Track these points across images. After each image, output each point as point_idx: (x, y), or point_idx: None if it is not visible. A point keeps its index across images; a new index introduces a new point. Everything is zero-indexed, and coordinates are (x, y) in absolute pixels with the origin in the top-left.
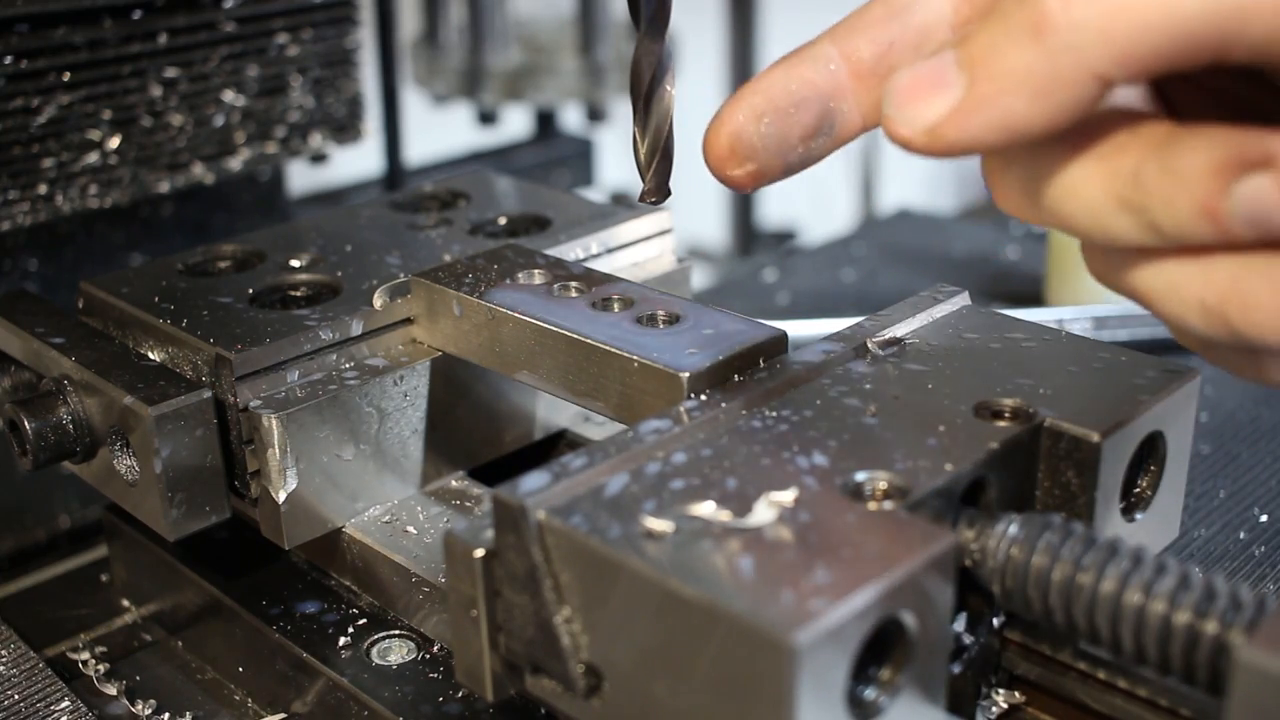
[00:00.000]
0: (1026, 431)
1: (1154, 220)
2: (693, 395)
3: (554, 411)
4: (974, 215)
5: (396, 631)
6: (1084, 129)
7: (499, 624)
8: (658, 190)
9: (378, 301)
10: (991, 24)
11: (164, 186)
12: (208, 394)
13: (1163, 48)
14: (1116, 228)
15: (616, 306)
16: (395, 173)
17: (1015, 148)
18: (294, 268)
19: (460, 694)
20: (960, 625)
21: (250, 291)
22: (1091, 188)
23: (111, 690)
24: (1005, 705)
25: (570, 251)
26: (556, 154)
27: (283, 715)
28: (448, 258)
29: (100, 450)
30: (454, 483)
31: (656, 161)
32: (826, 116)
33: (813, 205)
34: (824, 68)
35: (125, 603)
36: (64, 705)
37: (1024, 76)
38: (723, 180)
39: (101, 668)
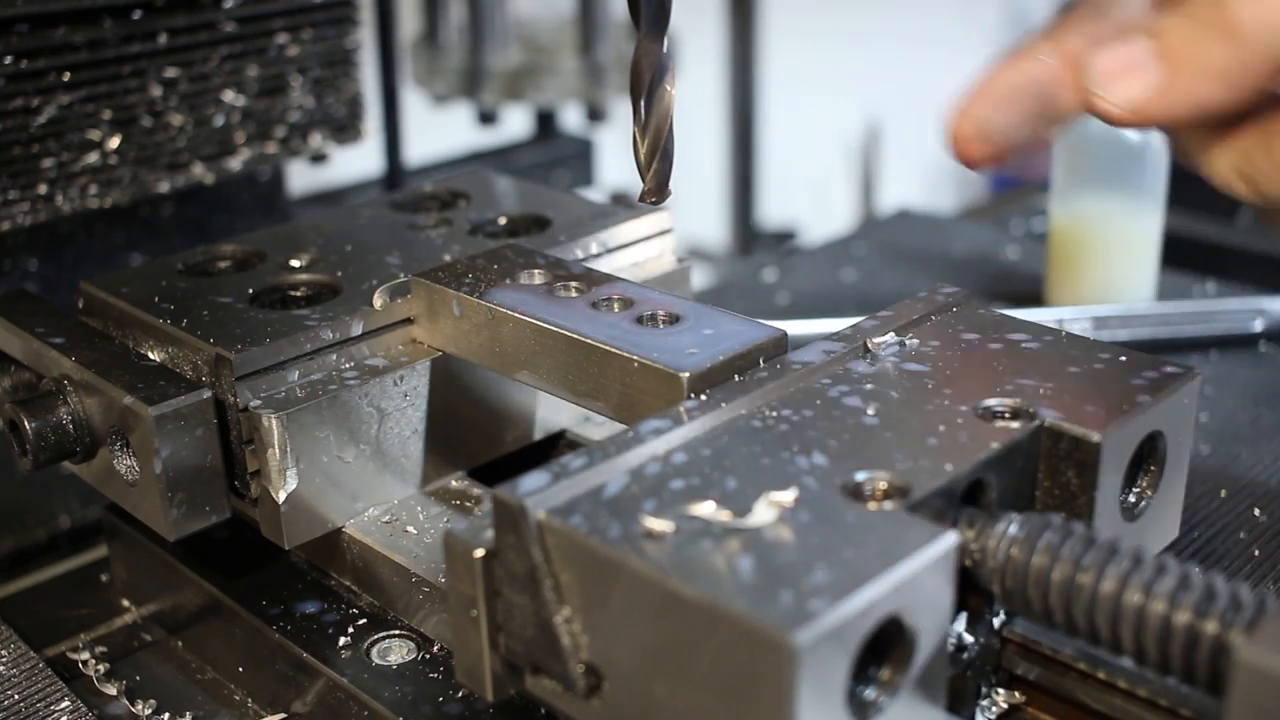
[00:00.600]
0: (1026, 431)
1: (1261, 191)
2: (693, 395)
3: (554, 411)
4: (974, 215)
5: (396, 631)
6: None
7: (499, 624)
8: (658, 190)
9: (378, 301)
10: (1187, 21)
11: (164, 186)
12: (208, 394)
13: None
14: (1238, 188)
15: (616, 306)
16: (395, 173)
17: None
18: (294, 268)
19: (460, 694)
20: (960, 625)
21: (250, 291)
22: (1222, 162)
23: (111, 690)
24: (1005, 705)
25: (570, 251)
26: (556, 154)
27: (283, 715)
28: (448, 258)
29: (100, 450)
30: (454, 483)
31: (656, 161)
32: (1047, 102)
33: (813, 205)
34: (1042, 61)
35: (125, 603)
36: (64, 705)
37: (1216, 69)
38: (964, 161)
39: (101, 668)
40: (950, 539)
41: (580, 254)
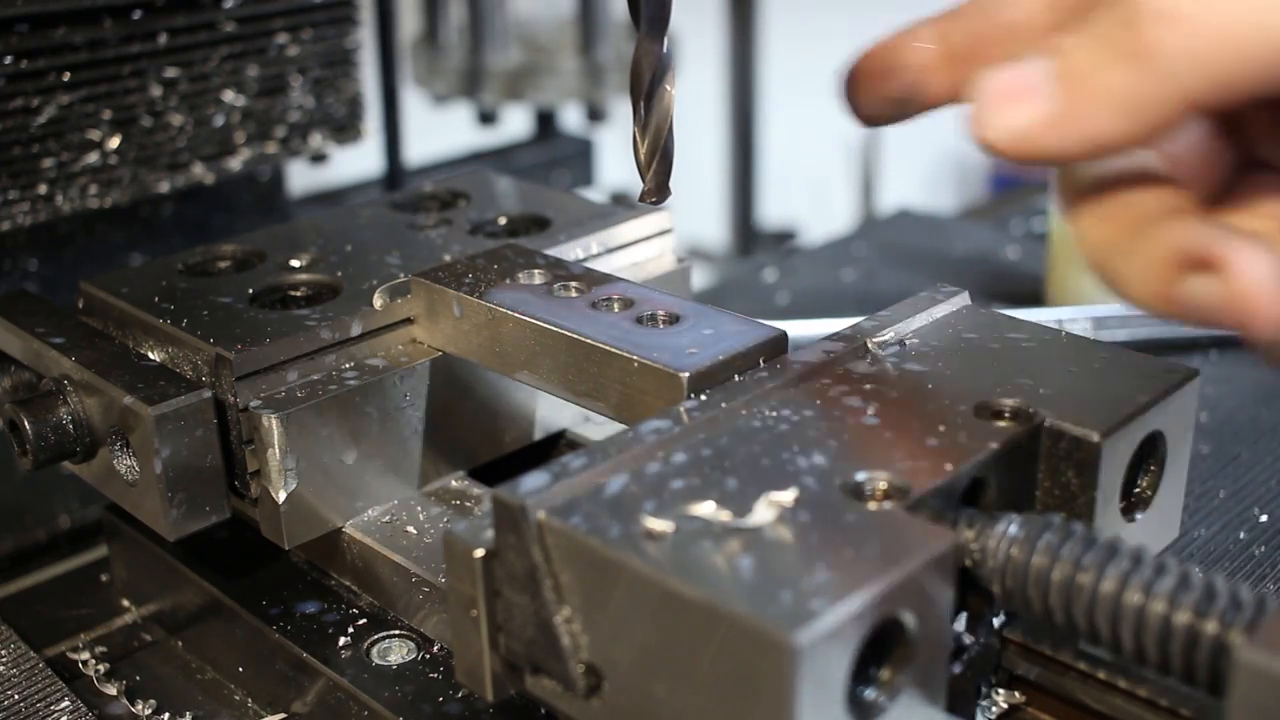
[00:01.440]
0: (1026, 431)
1: (1120, 289)
2: (693, 395)
3: (554, 411)
4: (974, 215)
5: (396, 631)
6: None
7: (499, 624)
8: (658, 190)
9: (378, 301)
10: (1091, 42)
11: (164, 186)
12: (208, 394)
13: (1258, 78)
14: (1092, 270)
15: (616, 306)
16: (395, 173)
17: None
18: (294, 268)
19: (460, 694)
20: (960, 625)
21: (250, 291)
22: (1088, 234)
23: (111, 690)
24: (1005, 705)
25: (570, 251)
26: (556, 154)
27: (283, 715)
28: (448, 258)
29: (100, 450)
30: (454, 483)
31: (656, 161)
32: (916, 86)
33: (813, 205)
34: (919, 48)
35: (125, 603)
36: (64, 705)
37: (1121, 98)
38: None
39: (101, 668)
40: (950, 539)
41: (580, 254)
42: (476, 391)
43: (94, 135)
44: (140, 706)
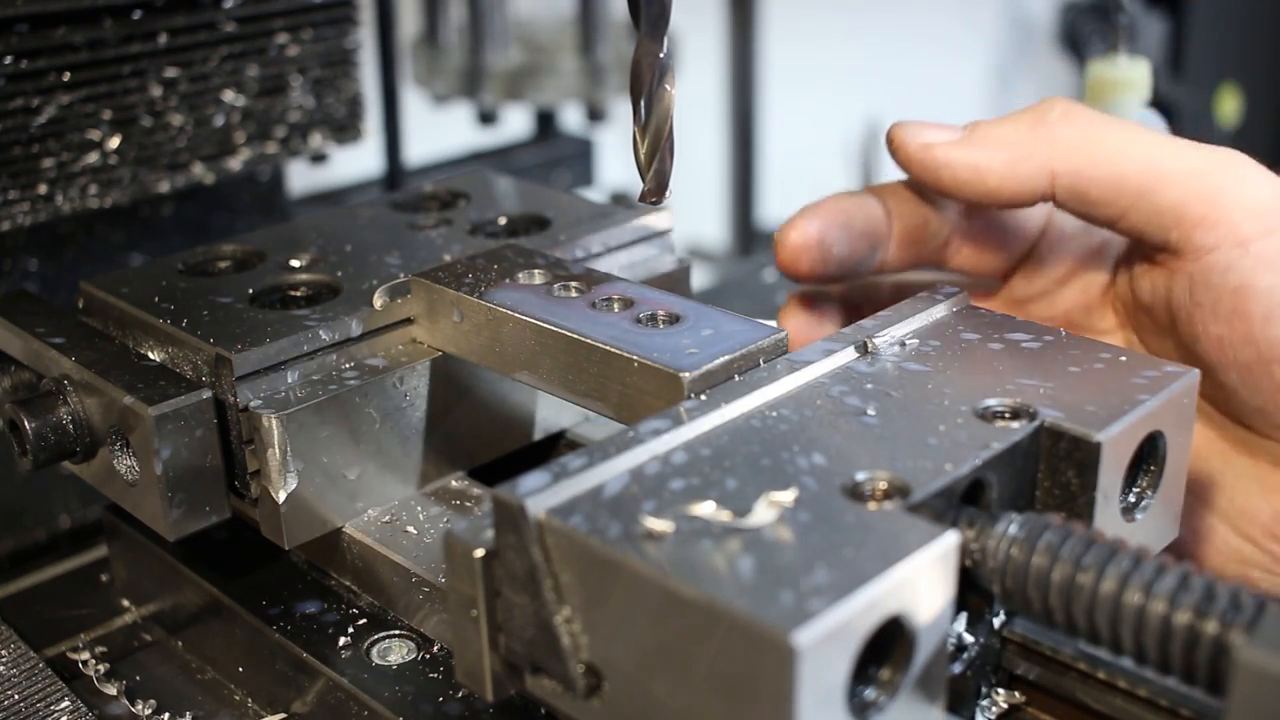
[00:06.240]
0: (1026, 431)
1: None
2: (693, 395)
3: (554, 411)
4: None
5: (396, 631)
6: None
7: (499, 624)
8: (658, 190)
9: (378, 301)
10: (1006, 117)
11: (164, 186)
12: (208, 394)
13: (1094, 184)
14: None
15: (616, 306)
16: (395, 173)
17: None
18: (294, 268)
19: (460, 694)
20: (960, 625)
21: (250, 291)
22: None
23: (111, 690)
24: (1005, 705)
25: (570, 251)
26: (556, 154)
27: (283, 715)
28: (448, 258)
29: (100, 450)
30: (454, 483)
31: (656, 161)
32: (871, 234)
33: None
34: (869, 200)
35: (125, 603)
36: (64, 705)
37: (1007, 143)
38: (789, 270)
39: (101, 668)
40: (950, 539)
41: (580, 254)
42: (476, 391)
43: (94, 135)
44: (140, 706)
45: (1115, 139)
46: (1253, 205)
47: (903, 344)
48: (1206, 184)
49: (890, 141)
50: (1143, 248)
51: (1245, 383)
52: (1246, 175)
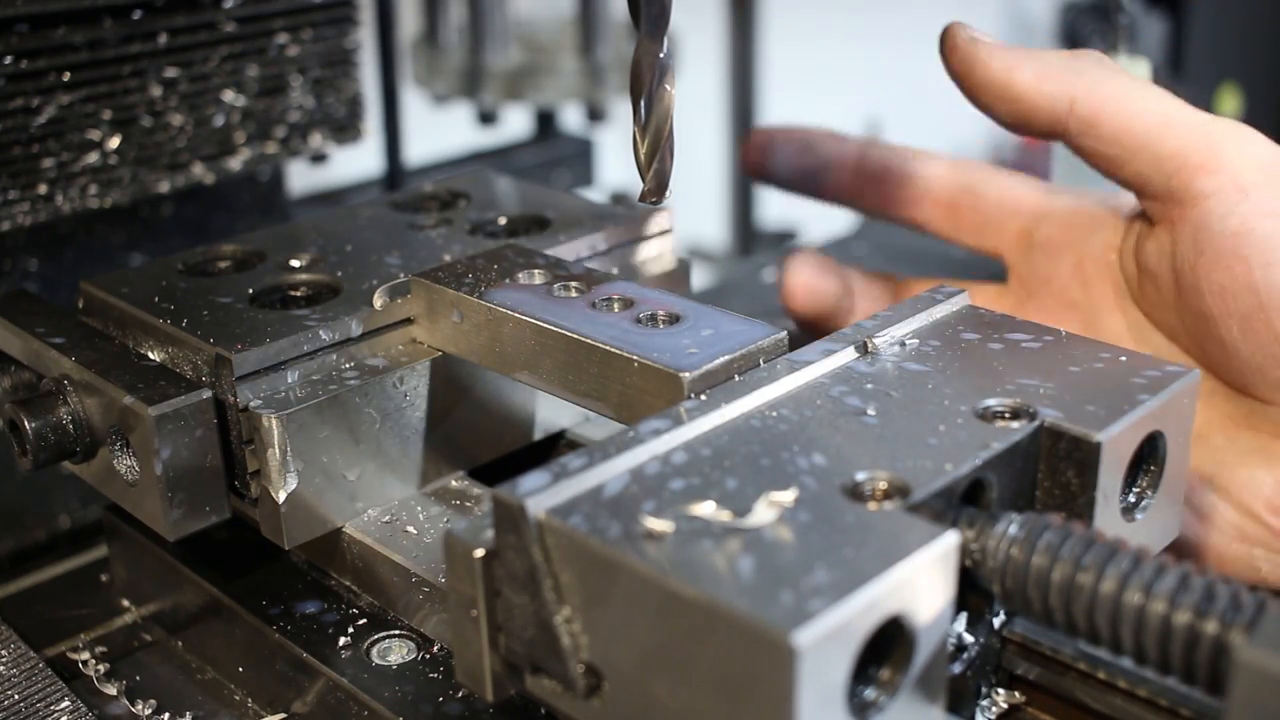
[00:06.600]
0: (1026, 431)
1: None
2: (693, 395)
3: (554, 411)
4: None
5: (396, 631)
6: None
7: (499, 624)
8: (658, 190)
9: (378, 301)
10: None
11: (164, 186)
12: (208, 394)
13: (1110, 121)
14: None
15: (616, 306)
16: (395, 173)
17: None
18: (294, 268)
19: (460, 694)
20: (960, 625)
21: (250, 291)
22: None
23: (111, 690)
24: (1005, 705)
25: (570, 251)
26: (556, 154)
27: (283, 715)
28: (448, 258)
29: (100, 450)
30: (454, 483)
31: (656, 161)
32: (824, 170)
33: (813, 205)
34: (846, 143)
35: (125, 603)
36: (64, 705)
37: (1042, 61)
38: (747, 166)
39: (101, 668)
40: (950, 539)
41: (580, 254)
42: (476, 391)
43: (94, 135)
44: (140, 706)
45: (1136, 87)
46: (1255, 157)
47: (903, 344)
48: (1211, 133)
49: (943, 37)
50: (1145, 202)
51: (1245, 335)
52: (1251, 135)
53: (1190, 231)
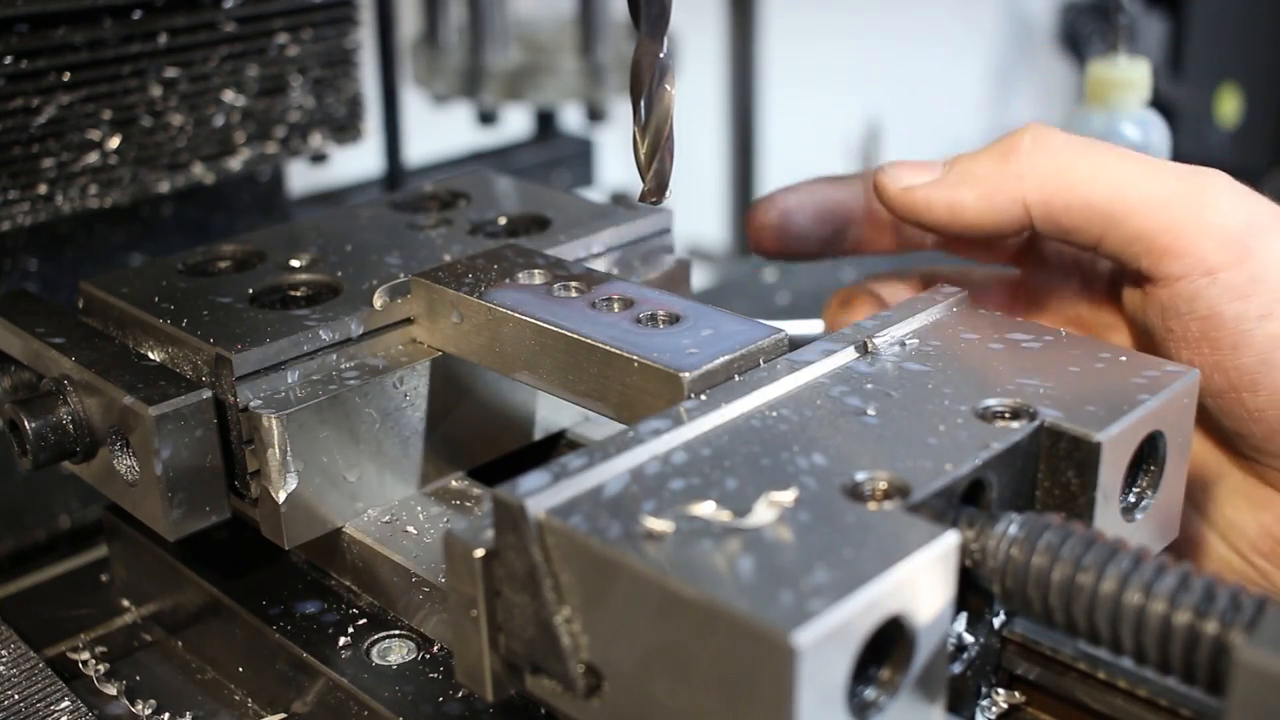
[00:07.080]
0: (1026, 431)
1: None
2: (693, 395)
3: (554, 411)
4: None
5: (396, 631)
6: None
7: (499, 624)
8: (658, 190)
9: (378, 301)
10: (978, 152)
11: (164, 186)
12: (208, 394)
13: (1066, 213)
14: None
15: (616, 306)
16: (395, 173)
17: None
18: (294, 268)
19: (460, 694)
20: (960, 625)
21: (250, 291)
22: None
23: (111, 690)
24: (1005, 705)
25: (570, 251)
26: (556, 154)
27: (283, 715)
28: (448, 258)
29: (100, 450)
30: (454, 483)
31: (656, 161)
32: (841, 221)
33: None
34: (850, 188)
35: (125, 603)
36: (64, 705)
37: (980, 179)
38: (756, 246)
39: (101, 668)
40: (950, 539)
41: (580, 254)
42: (476, 391)
43: (94, 135)
44: (140, 706)
45: (1085, 166)
46: (1220, 235)
47: (903, 344)
48: (1173, 214)
49: (875, 186)
50: (1123, 269)
51: (1220, 409)
52: (1217, 202)
53: (1159, 310)
